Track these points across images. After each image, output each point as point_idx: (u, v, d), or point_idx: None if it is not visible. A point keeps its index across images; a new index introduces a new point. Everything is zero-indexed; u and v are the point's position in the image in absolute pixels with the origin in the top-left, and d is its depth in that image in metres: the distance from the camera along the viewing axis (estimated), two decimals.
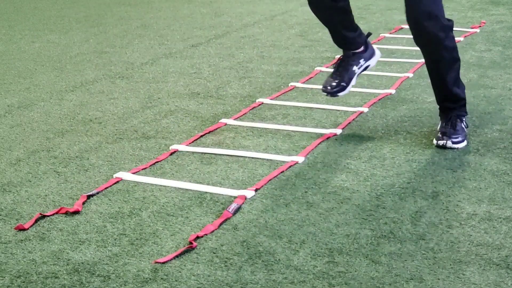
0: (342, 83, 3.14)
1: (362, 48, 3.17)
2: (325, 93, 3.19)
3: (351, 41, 3.14)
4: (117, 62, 4.60)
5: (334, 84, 3.15)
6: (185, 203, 2.55)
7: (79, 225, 2.42)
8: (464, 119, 3.06)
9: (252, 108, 3.56)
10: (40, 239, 2.32)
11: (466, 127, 3.06)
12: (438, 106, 3.11)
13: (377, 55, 3.26)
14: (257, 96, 3.76)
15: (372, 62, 3.23)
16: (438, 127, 3.08)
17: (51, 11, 6.58)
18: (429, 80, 3.89)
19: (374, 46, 3.28)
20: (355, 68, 3.16)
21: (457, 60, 3.03)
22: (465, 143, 2.99)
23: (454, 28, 3.06)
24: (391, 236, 2.26)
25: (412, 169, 2.76)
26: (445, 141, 2.97)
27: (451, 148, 2.96)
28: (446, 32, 2.92)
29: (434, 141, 3.01)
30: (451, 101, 3.07)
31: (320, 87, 3.78)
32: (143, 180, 2.75)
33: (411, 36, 5.02)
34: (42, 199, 2.63)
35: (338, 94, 3.16)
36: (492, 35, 4.92)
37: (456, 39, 4.74)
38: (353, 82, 3.18)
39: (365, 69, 3.22)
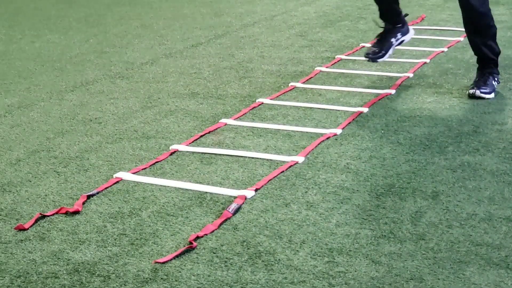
0: (382, 51, 3.79)
1: (401, 24, 3.83)
2: (367, 59, 3.85)
3: (397, 14, 3.81)
4: (117, 62, 4.60)
5: (376, 51, 3.81)
6: (185, 203, 2.55)
7: (79, 225, 2.42)
8: (495, 77, 3.68)
9: (252, 108, 3.56)
10: (40, 239, 2.33)
11: (497, 83, 3.68)
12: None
13: (411, 33, 3.92)
14: (257, 96, 3.76)
15: (407, 37, 3.89)
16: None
17: (51, 11, 6.58)
18: (429, 80, 3.91)
19: (410, 26, 3.93)
20: (393, 40, 3.82)
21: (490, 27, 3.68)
22: (492, 95, 3.59)
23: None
24: (391, 236, 2.27)
25: (412, 169, 2.76)
26: (474, 90, 3.58)
27: (479, 97, 3.55)
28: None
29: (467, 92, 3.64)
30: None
31: (321, 87, 3.84)
32: (143, 180, 2.75)
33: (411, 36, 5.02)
34: (42, 199, 2.63)
35: (378, 60, 3.83)
36: None
37: (456, 39, 4.77)
38: (391, 52, 3.83)
39: (401, 43, 3.87)
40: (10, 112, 3.66)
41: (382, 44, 3.81)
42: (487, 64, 3.70)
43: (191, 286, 2.04)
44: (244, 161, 2.91)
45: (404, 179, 2.68)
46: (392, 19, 3.81)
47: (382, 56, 3.80)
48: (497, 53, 3.72)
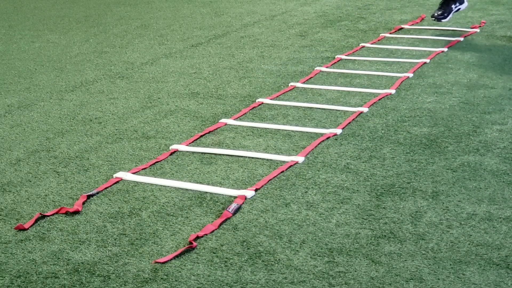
0: (445, 14, 4.85)
1: None
2: (433, 19, 4.88)
3: None
4: (117, 62, 4.60)
5: (440, 13, 4.84)
6: (185, 203, 2.55)
7: (79, 225, 2.42)
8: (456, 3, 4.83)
9: (252, 108, 3.56)
10: (40, 239, 2.33)
11: (456, 8, 4.84)
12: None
13: (466, 4, 4.99)
14: (257, 96, 3.76)
15: (463, 6, 4.95)
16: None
17: (51, 11, 6.58)
18: (429, 80, 3.91)
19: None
20: (453, 6, 4.88)
21: None
22: (449, 17, 4.82)
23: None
24: (391, 236, 2.27)
25: (412, 169, 2.76)
26: (433, 12, 4.72)
27: (435, 17, 4.79)
28: None
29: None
30: None
31: (321, 87, 3.86)
32: (143, 180, 2.75)
33: (411, 36, 5.05)
34: (42, 199, 2.63)
35: (442, 20, 4.86)
36: (492, 35, 4.92)
37: (456, 39, 4.78)
38: (451, 15, 4.90)
39: (458, 10, 4.93)
40: (10, 112, 3.66)
41: (445, 8, 4.84)
42: None
43: (191, 286, 2.04)
44: (244, 161, 2.91)
45: (404, 179, 2.68)
46: None
47: (445, 18, 4.82)
48: None
